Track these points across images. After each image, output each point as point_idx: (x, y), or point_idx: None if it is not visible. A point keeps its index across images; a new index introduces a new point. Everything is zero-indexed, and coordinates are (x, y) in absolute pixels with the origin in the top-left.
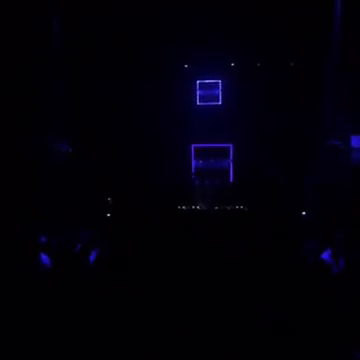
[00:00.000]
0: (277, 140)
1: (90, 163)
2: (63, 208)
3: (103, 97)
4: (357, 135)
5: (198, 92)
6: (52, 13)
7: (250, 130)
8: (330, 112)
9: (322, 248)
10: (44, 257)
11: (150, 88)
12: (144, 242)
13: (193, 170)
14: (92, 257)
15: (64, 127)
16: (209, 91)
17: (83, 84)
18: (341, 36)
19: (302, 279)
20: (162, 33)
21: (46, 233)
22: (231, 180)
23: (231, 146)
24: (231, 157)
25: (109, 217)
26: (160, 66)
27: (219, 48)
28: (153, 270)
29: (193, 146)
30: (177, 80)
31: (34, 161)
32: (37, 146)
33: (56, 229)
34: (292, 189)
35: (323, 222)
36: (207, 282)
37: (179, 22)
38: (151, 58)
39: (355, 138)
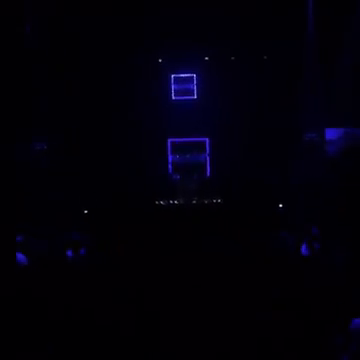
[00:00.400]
0: (253, 134)
1: (65, 159)
2: (39, 206)
3: (77, 92)
4: (332, 128)
5: (173, 86)
6: (28, 13)
7: (226, 124)
8: (305, 105)
9: (298, 240)
10: (20, 256)
11: (124, 83)
12: (122, 237)
13: (170, 165)
14: (68, 255)
15: (39, 124)
16: (184, 85)
17: (58, 80)
18: (315, 29)
19: (277, 270)
20: (136, 28)
21: (22, 232)
22: (208, 174)
23: (207, 140)
24: (208, 151)
25: (86, 214)
26: (134, 61)
27: (193, 42)
28: (131, 264)
29: (169, 141)
30: (151, 74)
31: (11, 161)
32: (14, 145)
33: (32, 228)
34: (269, 182)
35: (299, 214)
36: (186, 276)
37: (153, 16)
38: (125, 53)
39: (330, 131)
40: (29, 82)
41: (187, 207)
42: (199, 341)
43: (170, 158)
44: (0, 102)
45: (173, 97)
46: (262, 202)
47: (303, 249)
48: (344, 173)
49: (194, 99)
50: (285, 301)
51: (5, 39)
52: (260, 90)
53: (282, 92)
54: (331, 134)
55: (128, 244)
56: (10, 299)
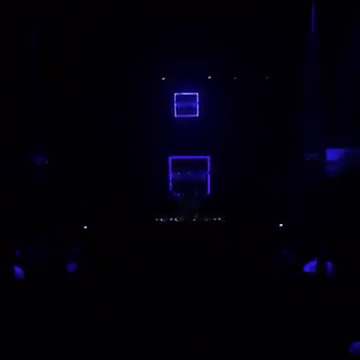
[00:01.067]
0: (254, 153)
1: (66, 174)
2: (40, 221)
3: (81, 109)
4: (333, 148)
5: (175, 104)
6: (31, 28)
7: (227, 142)
8: (306, 125)
9: (300, 259)
10: (18, 270)
11: (128, 100)
12: (122, 254)
13: (171, 182)
14: (69, 270)
15: (41, 139)
16: (186, 103)
17: (60, 97)
18: (316, 49)
19: (278, 290)
20: (140, 46)
21: (21, 246)
22: (209, 192)
23: (208, 158)
24: (209, 169)
25: (87, 230)
26: (138, 79)
27: (196, 61)
28: (131, 281)
29: (171, 158)
30: (154, 92)
31: (11, 174)
32: (15, 159)
33: (32, 242)
34: (269, 201)
35: (301, 234)
36: (185, 293)
37: (156, 34)
38: (129, 71)
39: (331, 151)
40: (30, 97)
41: (187, 225)
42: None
43: (171, 175)
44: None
45: (175, 115)
46: (262, 221)
47: (307, 268)
48: (345, 193)
49: (196, 117)
50: (285, 319)
51: (7, 51)
52: (262, 109)
53: (283, 112)
54: (332, 155)
55: (127, 260)
56: (6, 313)
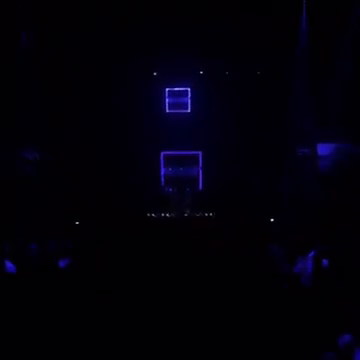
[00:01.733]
0: (246, 148)
1: (58, 170)
2: (31, 216)
3: (72, 105)
4: (324, 143)
5: (167, 100)
6: (21, 26)
7: (219, 138)
8: (297, 120)
9: (289, 254)
10: (9, 264)
11: (119, 96)
12: (114, 249)
13: (162, 177)
14: (61, 265)
15: (32, 134)
16: (178, 99)
17: (51, 92)
18: (308, 45)
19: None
20: (131, 41)
21: (11, 241)
22: (201, 187)
23: (200, 153)
24: (200, 164)
25: (78, 225)
26: (129, 74)
27: (188, 56)
28: (123, 276)
29: (162, 153)
30: (146, 88)
31: (2, 169)
32: (6, 153)
33: (23, 237)
34: (261, 196)
35: (291, 229)
36: (175, 288)
37: (148, 30)
38: (120, 66)
39: (322, 146)
40: (21, 92)
41: (179, 220)
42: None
43: (163, 171)
44: None
45: (167, 110)
46: (254, 216)
47: (301, 264)
48: (336, 188)
49: (188, 112)
50: (276, 315)
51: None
52: (253, 104)
53: (275, 107)
54: (324, 150)
55: (118, 256)
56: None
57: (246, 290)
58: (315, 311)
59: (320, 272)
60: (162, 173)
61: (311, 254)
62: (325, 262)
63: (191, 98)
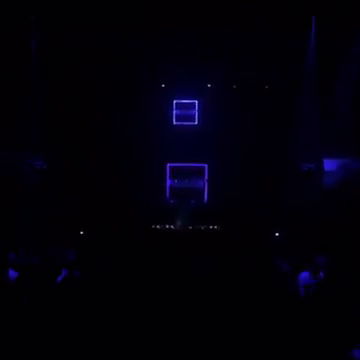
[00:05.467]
0: (252, 161)
1: (64, 180)
2: (36, 226)
3: (79, 115)
4: (330, 158)
5: (175, 112)
6: (30, 30)
7: (225, 151)
8: (304, 135)
9: (294, 269)
10: (12, 273)
11: (127, 107)
12: (119, 260)
13: (168, 189)
14: (62, 275)
15: (40, 144)
16: (185, 111)
17: (60, 102)
18: (315, 60)
19: (275, 299)
20: (140, 53)
21: (16, 250)
22: (206, 200)
23: (206, 166)
24: (206, 177)
25: (83, 235)
26: (137, 85)
27: (196, 69)
28: (127, 287)
29: (168, 165)
30: (154, 99)
31: (9, 177)
32: (13, 162)
33: (27, 246)
34: (266, 210)
35: (296, 244)
36: (179, 300)
37: (157, 42)
38: (128, 77)
39: (327, 161)
40: (30, 101)
41: (183, 232)
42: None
43: (168, 182)
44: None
45: (174, 122)
46: (258, 230)
47: (302, 277)
48: (341, 204)
49: (195, 125)
50: (283, 329)
51: (6, 53)
52: (260, 119)
53: (281, 121)
54: (329, 165)
55: (122, 267)
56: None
57: (249, 306)
58: (318, 325)
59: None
60: (167, 185)
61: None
62: (321, 275)
63: (198, 111)
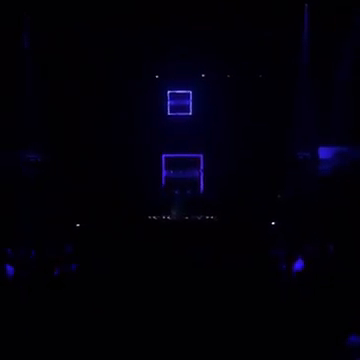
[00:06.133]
0: (247, 151)
1: (59, 172)
2: (33, 220)
3: (74, 107)
4: (325, 146)
5: (169, 102)
6: (23, 26)
7: (220, 141)
8: (299, 123)
9: (290, 257)
10: (9, 268)
11: (121, 98)
12: (115, 251)
13: (163, 180)
14: (60, 268)
15: (34, 137)
16: (180, 101)
17: (53, 94)
18: (309, 48)
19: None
20: (134, 44)
21: (12, 244)
22: (202, 190)
23: (201, 156)
24: (201, 167)
25: (80, 228)
26: (131, 76)
27: (190, 59)
28: (124, 278)
29: (164, 156)
30: (148, 90)
31: (3, 172)
32: (7, 156)
33: (25, 241)
34: (262, 199)
35: (292, 232)
36: (176, 291)
37: (151, 32)
38: (122, 69)
39: (323, 149)
40: (24, 94)
41: (180, 223)
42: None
43: (164, 173)
44: None
45: (169, 113)
46: (254, 219)
47: (297, 265)
48: (336, 192)
49: (189, 115)
50: (278, 317)
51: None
52: (255, 108)
53: (276, 110)
54: (325, 153)
55: (120, 258)
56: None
57: (246, 295)
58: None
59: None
60: (163, 175)
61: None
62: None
63: (193, 101)
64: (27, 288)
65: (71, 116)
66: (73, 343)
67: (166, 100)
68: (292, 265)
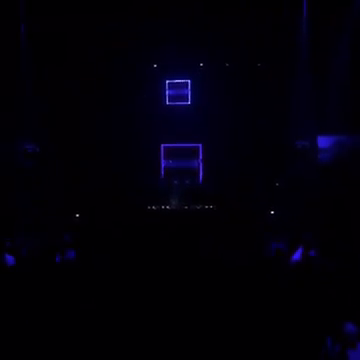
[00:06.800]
0: (246, 140)
1: (57, 163)
2: (30, 210)
3: (72, 97)
4: (324, 135)
5: (167, 92)
6: (18, 14)
7: (219, 130)
8: (297, 112)
9: (290, 246)
10: (9, 257)
11: (119, 88)
12: (113, 242)
13: (162, 170)
14: (58, 258)
15: (32, 127)
16: (178, 91)
17: (52, 84)
18: (308, 38)
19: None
20: (131, 33)
21: (11, 235)
22: (201, 180)
23: (200, 146)
24: (200, 157)
25: (79, 218)
26: (129, 66)
27: (188, 48)
28: (124, 267)
29: (162, 146)
30: (146, 80)
31: (1, 163)
32: (5, 148)
33: (22, 231)
34: (260, 188)
35: (291, 221)
36: (176, 280)
37: (148, 21)
38: (120, 58)
39: (321, 138)
40: (21, 84)
41: (179, 213)
42: (195, 344)
43: (163, 163)
44: None
45: (167, 102)
46: (253, 208)
47: (296, 255)
48: (335, 181)
49: (188, 105)
50: (278, 305)
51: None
52: (253, 97)
53: (275, 99)
54: (323, 142)
55: (119, 248)
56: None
57: (245, 286)
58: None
59: (308, 264)
60: (162, 165)
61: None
62: (312, 253)
63: (191, 90)
64: (28, 275)
65: (69, 107)
66: (73, 332)
67: (165, 90)
68: (291, 254)
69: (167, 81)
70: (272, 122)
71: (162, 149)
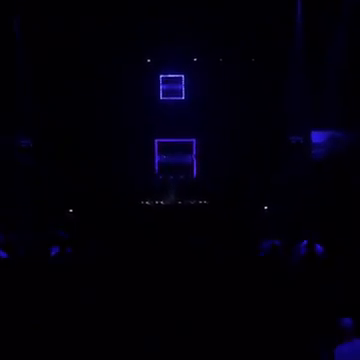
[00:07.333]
0: (240, 135)
1: (51, 158)
2: (23, 204)
3: (65, 92)
4: (318, 130)
5: (161, 87)
6: (13, 12)
7: (213, 125)
8: (292, 107)
9: (285, 242)
10: (2, 253)
11: (113, 83)
12: (109, 236)
13: (156, 165)
14: (52, 253)
15: (25, 122)
16: (172, 86)
17: (44, 79)
18: (303, 33)
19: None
20: (124, 27)
21: (3, 230)
22: (195, 175)
23: (194, 141)
24: (194, 152)
25: (73, 213)
26: (122, 60)
27: (182, 43)
28: (118, 263)
29: (156, 141)
30: (140, 75)
31: None
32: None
33: (14, 226)
34: (255, 184)
35: (286, 216)
36: (170, 276)
37: (142, 16)
38: (113, 52)
39: (316, 134)
40: (14, 79)
41: (173, 208)
42: (188, 341)
43: (157, 158)
44: None
45: (161, 97)
46: (247, 204)
47: (300, 251)
48: (330, 176)
49: (182, 100)
50: (275, 301)
51: None
52: (247, 92)
53: (269, 94)
54: (317, 138)
55: (113, 243)
56: None
57: (238, 280)
58: (309, 297)
59: (314, 258)
60: (156, 160)
61: (304, 243)
62: (319, 248)
63: (185, 85)
64: (23, 271)
65: (62, 101)
66: (70, 326)
67: (158, 84)
68: (292, 252)
69: (161, 76)
70: (266, 117)
71: (156, 144)
